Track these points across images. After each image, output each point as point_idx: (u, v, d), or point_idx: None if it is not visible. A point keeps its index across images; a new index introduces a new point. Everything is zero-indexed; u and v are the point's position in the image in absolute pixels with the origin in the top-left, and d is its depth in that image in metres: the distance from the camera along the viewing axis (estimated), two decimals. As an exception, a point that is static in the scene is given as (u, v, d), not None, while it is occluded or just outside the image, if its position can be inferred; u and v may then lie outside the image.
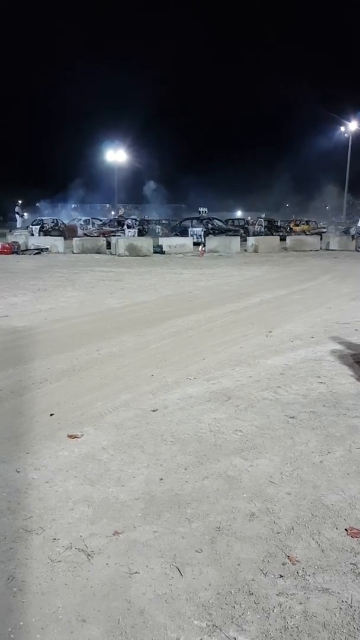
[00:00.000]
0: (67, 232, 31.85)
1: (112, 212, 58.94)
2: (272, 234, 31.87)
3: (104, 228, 33.69)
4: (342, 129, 54.10)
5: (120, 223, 33.37)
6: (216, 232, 28.38)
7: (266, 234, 32.65)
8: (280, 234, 33.03)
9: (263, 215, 40.11)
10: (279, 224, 40.36)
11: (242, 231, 32.40)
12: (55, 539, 2.55)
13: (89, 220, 38.74)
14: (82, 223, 37.85)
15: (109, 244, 23.88)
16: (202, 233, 27.22)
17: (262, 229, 35.87)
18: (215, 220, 32.70)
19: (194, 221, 30.81)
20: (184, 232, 28.96)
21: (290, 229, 39.96)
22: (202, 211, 36.14)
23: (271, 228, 37.16)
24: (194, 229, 28.74)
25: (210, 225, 30.03)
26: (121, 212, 39.53)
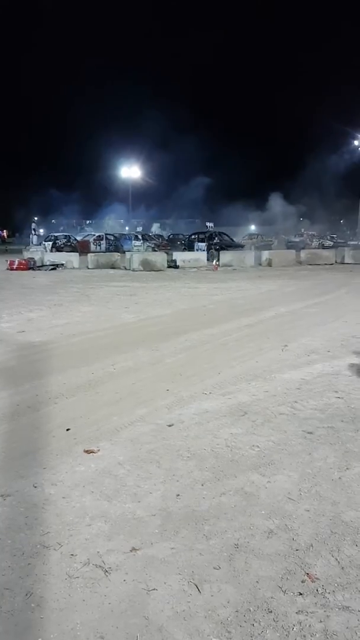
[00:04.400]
0: (80, 248, 32.19)
1: (127, 228, 59.54)
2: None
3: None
4: (357, 142, 54.21)
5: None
6: (222, 247, 29.10)
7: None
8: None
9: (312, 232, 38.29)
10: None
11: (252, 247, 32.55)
12: (72, 554, 2.55)
13: (102, 236, 39.06)
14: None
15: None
16: (205, 248, 28.15)
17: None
18: (224, 236, 33.56)
19: (200, 236, 32.22)
20: (191, 247, 30.01)
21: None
22: (209, 226, 37.55)
23: None
24: (199, 243, 29.94)
25: (216, 240, 31.13)
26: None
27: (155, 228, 55.71)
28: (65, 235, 37.08)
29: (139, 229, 53.66)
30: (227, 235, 34.40)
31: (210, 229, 36.88)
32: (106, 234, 39.44)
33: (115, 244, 37.16)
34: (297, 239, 45.23)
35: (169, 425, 4.20)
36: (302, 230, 52.67)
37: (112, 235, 40.94)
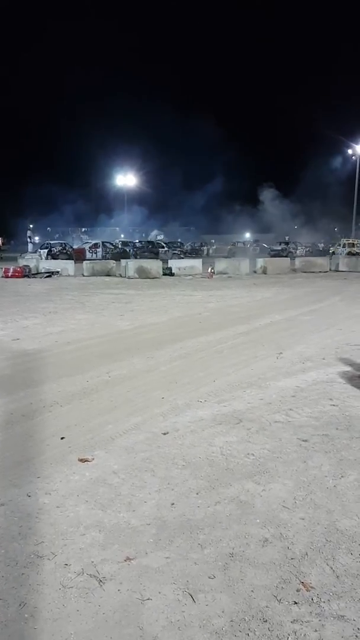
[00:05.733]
0: (75, 256, 32.19)
1: (122, 235, 59.70)
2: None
3: None
4: (350, 151, 54.59)
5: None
6: (140, 252, 38.79)
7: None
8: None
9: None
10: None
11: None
12: (66, 564, 2.53)
13: (99, 243, 39.07)
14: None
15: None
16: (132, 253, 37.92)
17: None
18: (139, 243, 42.92)
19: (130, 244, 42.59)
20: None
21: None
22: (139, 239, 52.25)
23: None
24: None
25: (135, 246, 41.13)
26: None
27: (153, 236, 55.92)
28: (61, 243, 37.10)
29: (160, 237, 53.85)
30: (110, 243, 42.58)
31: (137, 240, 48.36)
32: (103, 242, 39.52)
33: (123, 251, 37.52)
34: (279, 247, 45.43)
35: (164, 434, 4.19)
36: (287, 238, 52.76)
37: (111, 243, 41.05)
